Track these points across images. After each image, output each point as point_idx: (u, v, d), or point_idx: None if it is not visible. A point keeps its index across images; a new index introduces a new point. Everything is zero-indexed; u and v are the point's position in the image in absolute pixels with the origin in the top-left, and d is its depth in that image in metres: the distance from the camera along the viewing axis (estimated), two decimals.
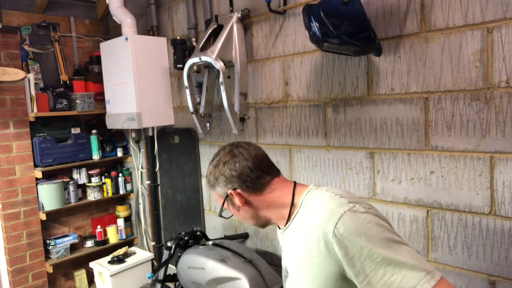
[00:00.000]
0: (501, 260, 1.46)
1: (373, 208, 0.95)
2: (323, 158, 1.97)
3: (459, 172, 1.53)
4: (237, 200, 1.06)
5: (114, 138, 3.27)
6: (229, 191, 1.06)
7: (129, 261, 2.97)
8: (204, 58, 2.10)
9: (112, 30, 3.28)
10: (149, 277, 2.15)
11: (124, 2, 2.76)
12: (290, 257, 1.08)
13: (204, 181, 2.67)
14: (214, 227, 2.65)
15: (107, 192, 3.19)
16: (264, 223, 1.13)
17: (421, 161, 1.62)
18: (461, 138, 1.50)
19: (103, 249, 3.15)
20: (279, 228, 1.12)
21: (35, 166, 2.87)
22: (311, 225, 0.97)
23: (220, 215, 1.14)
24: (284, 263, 1.13)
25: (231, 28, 2.15)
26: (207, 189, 2.66)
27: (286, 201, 1.06)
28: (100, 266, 2.91)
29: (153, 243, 3.14)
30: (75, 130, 3.05)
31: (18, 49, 2.81)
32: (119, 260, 2.93)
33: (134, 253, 3.11)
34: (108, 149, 3.20)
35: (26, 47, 2.77)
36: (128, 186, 3.30)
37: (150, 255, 3.08)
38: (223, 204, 1.10)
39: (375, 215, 0.91)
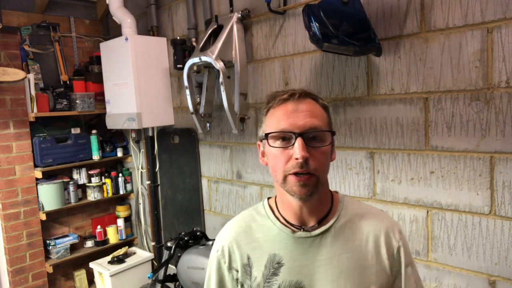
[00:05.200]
0: (501, 260, 1.46)
1: None
2: None
3: (459, 172, 1.53)
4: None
5: (114, 138, 3.27)
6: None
7: (129, 261, 2.97)
8: (204, 58, 2.10)
9: (112, 30, 3.28)
10: (149, 277, 2.16)
11: (124, 2, 2.76)
12: (317, 268, 0.88)
13: (204, 181, 2.67)
14: (214, 227, 2.65)
15: (107, 192, 3.19)
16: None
17: (421, 161, 1.62)
18: (461, 138, 1.50)
19: (103, 249, 3.15)
20: (302, 229, 0.90)
21: (35, 166, 2.87)
22: (367, 232, 0.91)
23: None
24: (293, 277, 0.88)
25: (231, 28, 2.15)
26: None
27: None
28: (100, 266, 2.91)
29: (153, 243, 3.14)
30: (75, 130, 3.05)
31: (18, 49, 2.81)
32: (119, 260, 2.93)
33: (134, 253, 3.11)
34: (108, 149, 3.20)
35: (26, 47, 2.77)
36: (128, 186, 3.30)
37: (150, 255, 3.08)
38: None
39: None
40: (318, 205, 0.90)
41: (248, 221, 0.97)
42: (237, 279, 0.94)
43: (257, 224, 0.95)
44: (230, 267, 0.94)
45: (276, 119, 0.86)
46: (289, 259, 0.89)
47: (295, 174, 0.82)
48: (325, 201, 0.93)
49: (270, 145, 0.86)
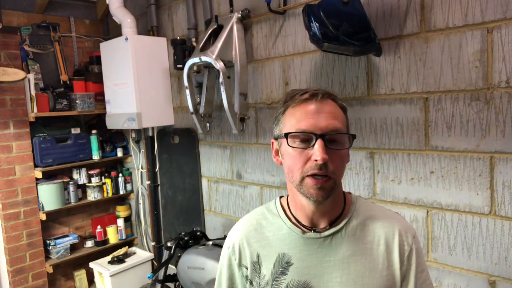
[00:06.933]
0: (501, 260, 1.46)
1: None
2: None
3: (459, 172, 1.53)
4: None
5: (114, 138, 3.27)
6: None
7: (129, 261, 2.97)
8: (204, 58, 2.10)
9: (112, 30, 3.28)
10: (149, 277, 2.16)
11: (124, 2, 2.76)
12: (326, 269, 0.87)
13: (204, 181, 2.67)
14: (214, 227, 2.65)
15: (107, 192, 3.19)
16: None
17: (421, 161, 1.62)
18: (461, 138, 1.50)
19: (103, 249, 3.15)
20: (312, 230, 0.90)
21: (35, 166, 2.87)
22: (379, 235, 0.89)
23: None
24: (302, 277, 0.88)
25: (231, 28, 2.15)
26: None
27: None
28: (100, 266, 2.91)
29: (153, 243, 3.14)
30: (75, 130, 3.05)
31: (18, 49, 2.81)
32: (119, 260, 2.93)
33: (134, 253, 3.11)
34: (108, 149, 3.20)
35: (26, 47, 2.77)
36: (128, 186, 3.30)
37: (150, 255, 3.08)
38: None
39: None
40: (331, 207, 0.89)
41: (259, 219, 0.97)
42: (246, 276, 0.94)
43: (267, 222, 0.95)
44: (240, 264, 0.95)
45: (297, 119, 0.84)
46: (298, 259, 0.88)
47: (313, 176, 0.81)
48: (338, 203, 0.92)
49: (289, 145, 0.83)
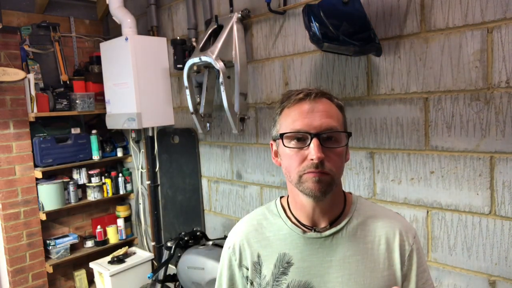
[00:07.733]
0: (501, 260, 1.46)
1: None
2: None
3: (459, 172, 1.53)
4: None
5: (114, 138, 3.27)
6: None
7: (129, 261, 2.97)
8: (204, 58, 2.10)
9: (112, 30, 3.28)
10: (149, 277, 2.16)
11: (124, 2, 2.76)
12: (327, 269, 0.87)
13: (204, 181, 2.67)
14: (214, 227, 2.66)
15: (107, 192, 3.19)
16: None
17: (421, 161, 1.62)
18: (461, 138, 1.50)
19: (103, 249, 3.15)
20: (313, 230, 0.90)
21: (35, 166, 2.87)
22: (379, 235, 0.90)
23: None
24: (302, 278, 0.88)
25: (231, 28, 2.15)
26: (206, 189, 2.66)
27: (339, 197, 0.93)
28: (100, 266, 2.91)
29: (153, 243, 3.14)
30: (75, 130, 3.05)
31: (18, 49, 2.81)
32: (119, 260, 2.93)
33: (134, 253, 3.11)
34: (108, 149, 3.20)
35: (26, 47, 2.77)
36: (128, 186, 3.30)
37: (150, 255, 3.08)
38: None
39: None
40: (330, 206, 0.89)
41: (259, 219, 0.97)
42: (247, 277, 0.94)
43: (268, 223, 0.95)
44: (240, 265, 0.95)
45: (292, 119, 0.84)
46: (299, 259, 0.88)
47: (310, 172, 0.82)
48: (338, 202, 0.92)
49: (284, 145, 0.84)
